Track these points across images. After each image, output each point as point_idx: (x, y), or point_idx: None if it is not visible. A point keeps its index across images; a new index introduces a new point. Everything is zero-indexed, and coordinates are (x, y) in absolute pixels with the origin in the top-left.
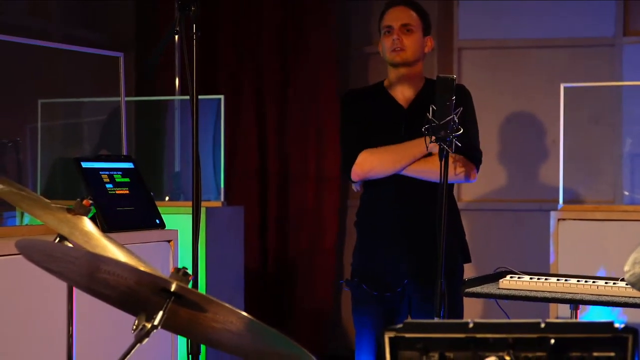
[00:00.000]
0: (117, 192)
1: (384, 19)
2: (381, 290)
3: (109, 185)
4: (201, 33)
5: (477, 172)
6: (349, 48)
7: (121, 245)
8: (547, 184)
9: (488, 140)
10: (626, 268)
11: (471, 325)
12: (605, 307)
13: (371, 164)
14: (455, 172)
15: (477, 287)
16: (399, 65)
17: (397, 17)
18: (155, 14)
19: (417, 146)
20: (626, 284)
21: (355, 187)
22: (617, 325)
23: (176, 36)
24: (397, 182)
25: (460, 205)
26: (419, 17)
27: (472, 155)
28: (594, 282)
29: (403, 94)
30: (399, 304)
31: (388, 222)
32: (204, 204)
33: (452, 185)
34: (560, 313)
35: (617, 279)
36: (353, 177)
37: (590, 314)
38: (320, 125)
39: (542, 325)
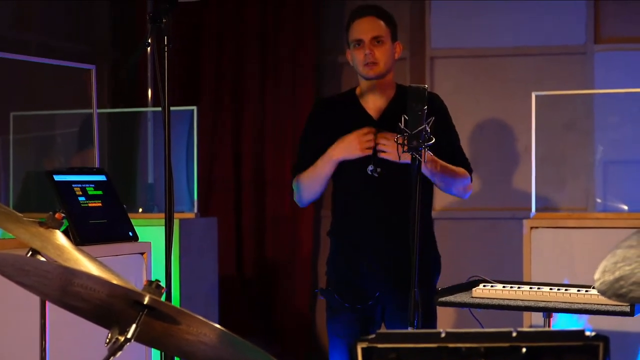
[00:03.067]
0: (89, 204)
1: (352, 31)
2: (353, 302)
3: (81, 198)
4: (183, 43)
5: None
6: (324, 57)
7: (94, 258)
8: (520, 191)
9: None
10: (596, 276)
11: (443, 335)
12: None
13: (300, 195)
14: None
15: (451, 296)
16: (372, 79)
17: (366, 29)
18: (131, 24)
19: (320, 166)
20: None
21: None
22: (588, 333)
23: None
24: (370, 192)
25: (432, 213)
26: (387, 26)
27: (467, 169)
28: (566, 290)
29: (374, 103)
30: (372, 314)
31: (361, 232)
32: (177, 215)
33: (429, 197)
34: (534, 321)
35: (589, 287)
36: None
37: (560, 322)
38: (296, 134)
39: (514, 334)
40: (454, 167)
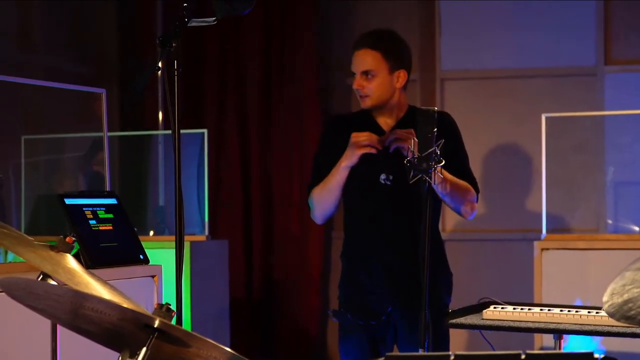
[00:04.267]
0: (100, 228)
1: (351, 62)
2: (366, 319)
3: (92, 222)
4: (186, 65)
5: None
6: (332, 79)
7: (104, 282)
8: (531, 213)
9: (472, 170)
10: (605, 299)
11: (452, 357)
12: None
13: (315, 211)
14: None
15: (461, 318)
16: (368, 109)
17: (358, 62)
18: (138, 47)
19: (330, 176)
20: None
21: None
22: (597, 355)
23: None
24: (381, 212)
25: (444, 235)
26: (384, 57)
27: (474, 189)
28: (577, 311)
29: (385, 121)
30: (384, 334)
31: (371, 250)
32: (188, 238)
33: (438, 217)
34: (545, 343)
35: (600, 309)
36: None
37: (573, 344)
38: (303, 154)
39: (523, 356)
40: (462, 183)
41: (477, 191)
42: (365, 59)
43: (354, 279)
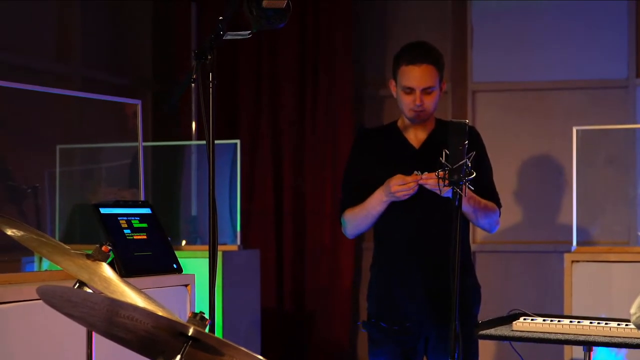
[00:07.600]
0: (135, 237)
1: (403, 75)
2: (401, 324)
3: (127, 231)
4: (221, 75)
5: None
6: (364, 89)
7: (139, 290)
8: (562, 225)
9: (503, 182)
10: (632, 311)
11: None
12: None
13: (348, 230)
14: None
15: (491, 329)
16: (417, 123)
17: (419, 80)
18: (172, 58)
19: (371, 206)
20: None
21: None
22: None
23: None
24: (412, 223)
25: (474, 246)
26: (437, 70)
27: (497, 204)
28: (606, 323)
29: (416, 135)
30: (415, 345)
31: (403, 261)
32: (220, 247)
33: (467, 227)
34: (575, 354)
35: (629, 321)
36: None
37: (599, 356)
38: (336, 165)
39: None
40: (487, 203)
41: (500, 206)
42: (428, 76)
43: (384, 289)
